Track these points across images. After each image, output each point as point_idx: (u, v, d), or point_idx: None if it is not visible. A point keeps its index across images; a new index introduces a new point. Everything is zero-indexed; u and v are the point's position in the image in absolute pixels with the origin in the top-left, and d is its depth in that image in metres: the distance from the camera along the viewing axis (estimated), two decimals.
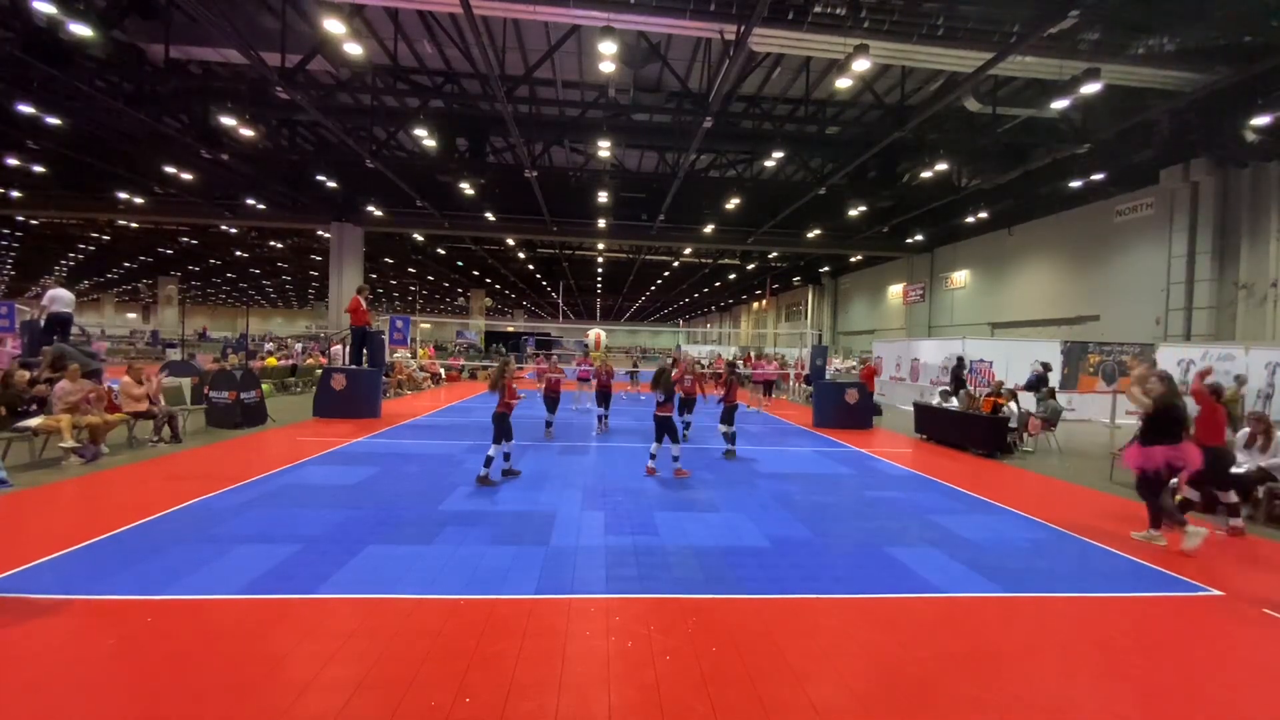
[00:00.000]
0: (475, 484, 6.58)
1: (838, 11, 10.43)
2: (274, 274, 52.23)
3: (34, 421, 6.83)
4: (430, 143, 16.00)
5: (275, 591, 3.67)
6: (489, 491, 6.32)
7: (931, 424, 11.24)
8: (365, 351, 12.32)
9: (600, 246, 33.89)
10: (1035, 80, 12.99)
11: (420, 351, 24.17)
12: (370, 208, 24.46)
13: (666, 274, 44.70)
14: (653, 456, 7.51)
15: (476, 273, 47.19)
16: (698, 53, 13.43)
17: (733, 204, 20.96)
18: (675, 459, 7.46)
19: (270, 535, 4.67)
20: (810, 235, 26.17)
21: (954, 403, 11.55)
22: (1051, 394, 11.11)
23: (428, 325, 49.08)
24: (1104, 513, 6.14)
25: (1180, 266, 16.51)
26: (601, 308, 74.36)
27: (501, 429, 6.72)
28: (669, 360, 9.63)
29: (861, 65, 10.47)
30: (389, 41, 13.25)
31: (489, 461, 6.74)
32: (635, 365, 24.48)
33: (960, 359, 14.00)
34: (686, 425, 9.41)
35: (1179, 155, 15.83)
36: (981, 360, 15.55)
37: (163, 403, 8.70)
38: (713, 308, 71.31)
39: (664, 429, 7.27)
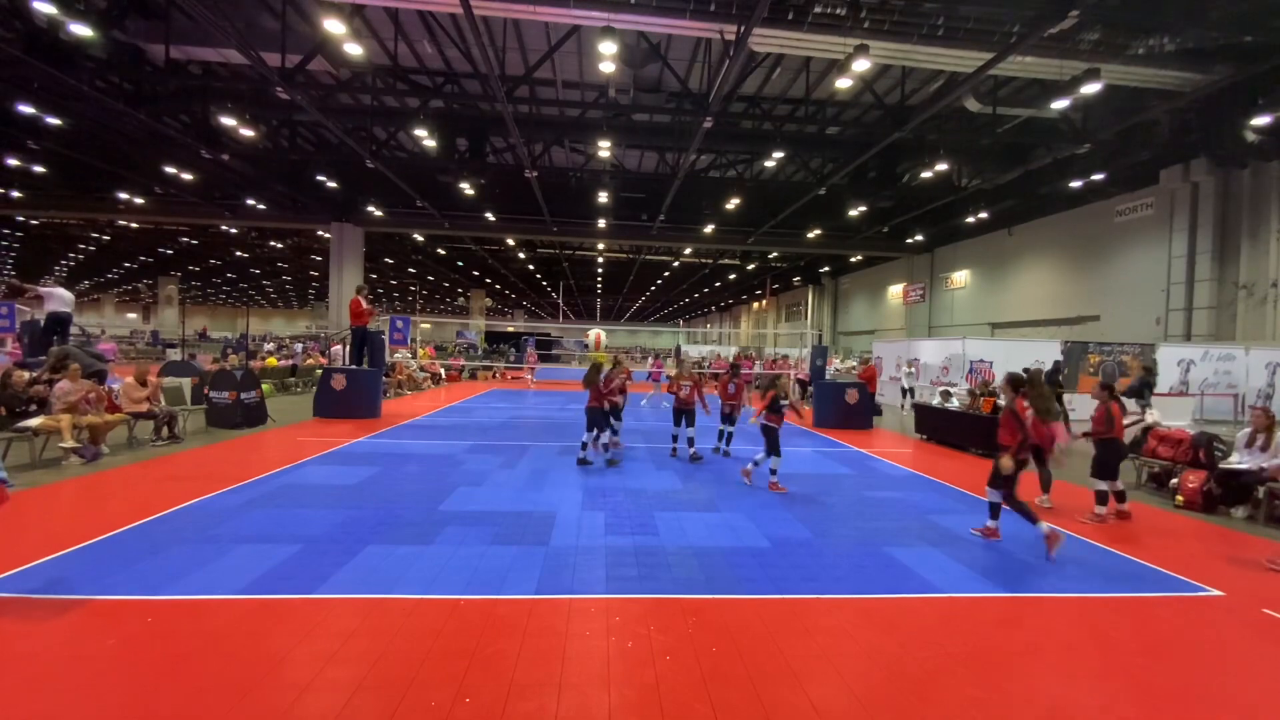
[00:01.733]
0: (576, 464, 7.66)
1: (838, 11, 10.43)
2: (274, 274, 52.25)
3: (34, 422, 6.83)
4: (430, 143, 16.01)
5: (275, 591, 3.67)
6: (489, 491, 6.32)
7: (931, 424, 11.24)
8: (366, 352, 12.29)
9: (600, 246, 33.91)
10: (1035, 80, 13.00)
11: (422, 352, 24.17)
12: (370, 208, 24.49)
13: (666, 274, 44.73)
14: (773, 472, 6.94)
15: (476, 273, 47.23)
16: (698, 53, 13.44)
17: (733, 204, 20.97)
18: (773, 472, 6.94)
19: (270, 535, 4.66)
20: (810, 235, 26.18)
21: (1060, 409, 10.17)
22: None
23: (428, 325, 49.05)
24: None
25: (1180, 266, 16.52)
26: (601, 308, 74.42)
27: (593, 420, 7.70)
28: (781, 372, 9.13)
29: (861, 65, 10.48)
30: (389, 42, 13.27)
31: (585, 446, 7.78)
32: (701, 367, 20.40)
33: (1058, 363, 12.48)
34: (689, 440, 8.54)
35: (1179, 155, 15.83)
36: (981, 360, 15.56)
37: (163, 403, 8.70)
38: (713, 308, 71.31)
39: (773, 440, 6.91)
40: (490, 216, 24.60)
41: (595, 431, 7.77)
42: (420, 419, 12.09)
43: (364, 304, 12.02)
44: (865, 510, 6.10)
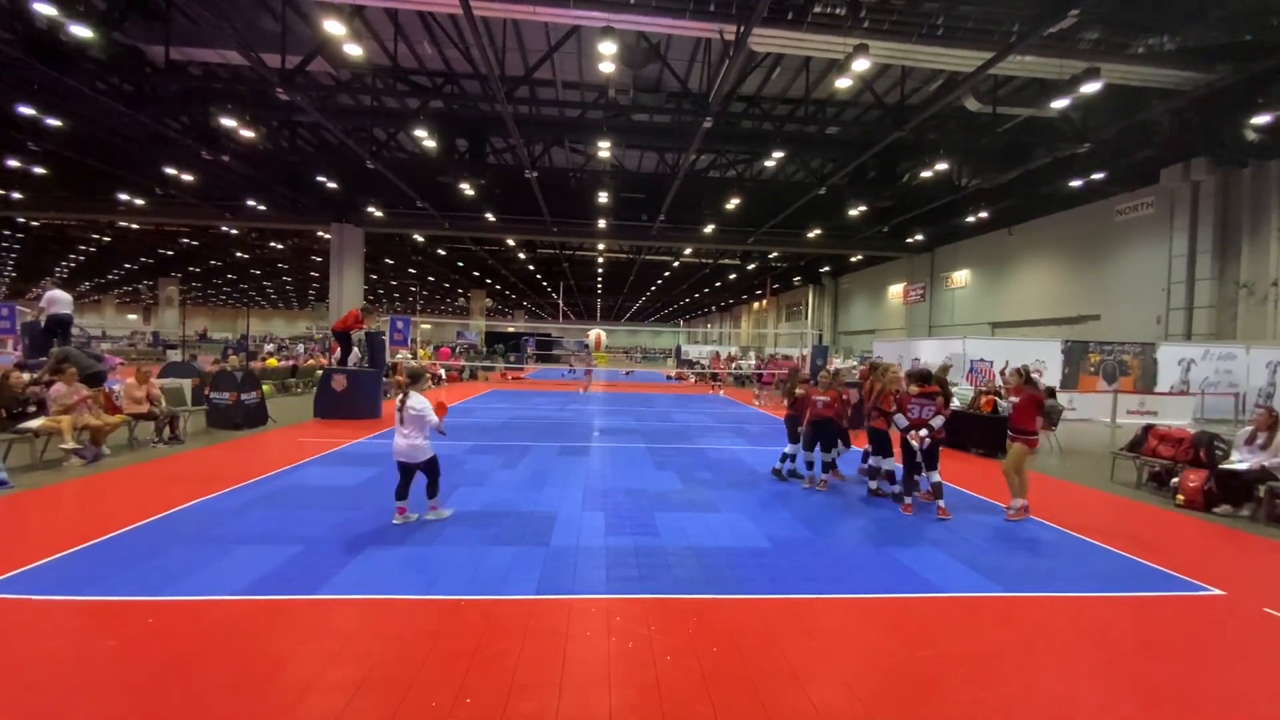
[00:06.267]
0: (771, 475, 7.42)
1: (837, 11, 10.43)
2: (274, 275, 52.24)
3: (35, 423, 6.84)
4: (430, 143, 16.00)
5: (276, 592, 3.67)
6: (489, 492, 6.32)
7: None
8: (341, 354, 12.49)
9: (600, 247, 33.88)
10: (1035, 80, 12.98)
11: (422, 352, 24.15)
12: (370, 208, 24.46)
13: (667, 274, 44.68)
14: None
15: (477, 273, 47.19)
16: (698, 53, 13.43)
17: (733, 204, 20.95)
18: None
19: (271, 536, 4.67)
20: (810, 235, 26.16)
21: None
22: (1051, 394, 11.10)
23: (428, 325, 49.08)
24: (1104, 512, 6.14)
25: (1181, 266, 16.51)
26: (602, 308, 74.29)
27: (792, 431, 7.39)
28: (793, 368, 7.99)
29: (861, 65, 10.47)
30: (389, 42, 13.25)
31: (784, 459, 7.47)
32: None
33: None
34: (830, 466, 7.17)
35: (1179, 154, 15.81)
36: (982, 360, 15.55)
37: (164, 404, 8.70)
38: (713, 308, 71.27)
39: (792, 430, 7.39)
40: (490, 217, 24.58)
41: (803, 448, 7.08)
42: None
43: (358, 317, 12.23)
44: (866, 510, 6.10)
